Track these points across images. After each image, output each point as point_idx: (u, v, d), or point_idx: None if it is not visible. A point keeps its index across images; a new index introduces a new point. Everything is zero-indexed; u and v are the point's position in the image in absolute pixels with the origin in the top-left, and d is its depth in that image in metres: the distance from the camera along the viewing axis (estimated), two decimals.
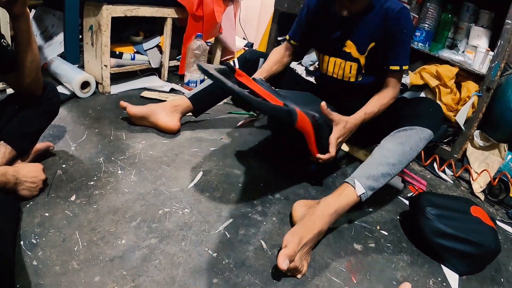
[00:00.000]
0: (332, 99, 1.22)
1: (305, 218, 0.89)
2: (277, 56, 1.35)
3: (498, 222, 1.24)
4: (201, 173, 1.13)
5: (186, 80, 1.85)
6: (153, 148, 1.22)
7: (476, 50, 1.54)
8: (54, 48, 1.85)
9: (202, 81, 1.86)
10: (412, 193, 1.27)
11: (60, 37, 1.86)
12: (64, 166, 1.06)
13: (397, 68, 1.13)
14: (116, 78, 1.72)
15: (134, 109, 1.33)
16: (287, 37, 1.35)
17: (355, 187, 0.94)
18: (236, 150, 1.30)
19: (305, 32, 1.29)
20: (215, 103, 1.45)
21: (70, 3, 1.67)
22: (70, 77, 1.54)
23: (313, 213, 0.89)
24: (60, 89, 1.55)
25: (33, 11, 1.90)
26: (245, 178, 1.15)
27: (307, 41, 1.36)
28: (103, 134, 1.26)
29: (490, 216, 1.23)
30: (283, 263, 0.75)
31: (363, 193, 0.94)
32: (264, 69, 1.31)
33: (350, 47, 1.17)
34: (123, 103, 1.33)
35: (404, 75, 1.21)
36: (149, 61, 1.81)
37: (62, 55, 1.75)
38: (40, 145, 1.04)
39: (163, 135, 1.32)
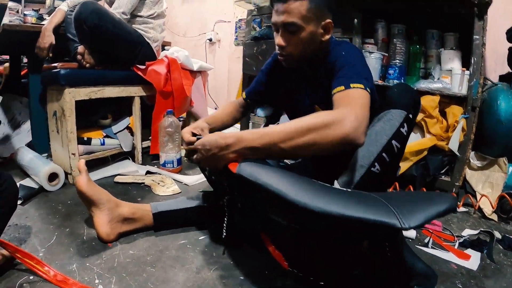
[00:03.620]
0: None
1: None
2: (230, 110, 1.29)
3: None
4: (194, 270, 0.97)
5: (162, 161, 1.70)
6: (134, 247, 1.07)
7: (451, 74, 1.53)
8: (22, 136, 1.76)
9: (179, 160, 1.71)
10: (429, 237, 1.16)
11: (27, 125, 1.76)
12: (31, 278, 0.88)
13: (342, 88, 0.86)
14: (87, 166, 1.57)
15: (84, 185, 1.06)
16: (244, 95, 1.30)
17: None
18: (228, 237, 1.04)
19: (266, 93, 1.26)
20: (184, 225, 1.19)
21: (34, 89, 1.59)
22: (37, 169, 1.40)
23: None
24: (27, 182, 1.43)
25: (0, 98, 1.80)
26: (246, 271, 0.96)
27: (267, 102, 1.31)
28: (75, 233, 1.12)
29: None
30: None
31: None
32: (218, 119, 1.23)
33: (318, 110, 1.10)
34: (82, 165, 1.10)
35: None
36: (120, 144, 1.70)
37: (30, 144, 1.64)
38: None
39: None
